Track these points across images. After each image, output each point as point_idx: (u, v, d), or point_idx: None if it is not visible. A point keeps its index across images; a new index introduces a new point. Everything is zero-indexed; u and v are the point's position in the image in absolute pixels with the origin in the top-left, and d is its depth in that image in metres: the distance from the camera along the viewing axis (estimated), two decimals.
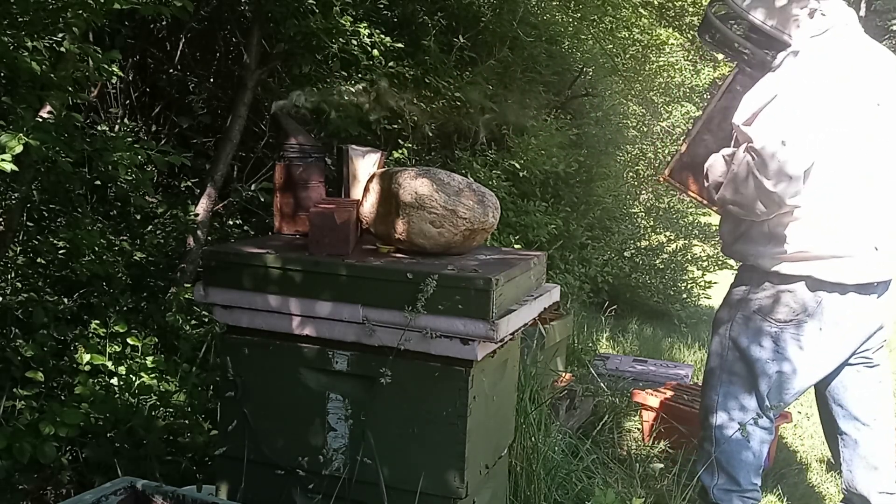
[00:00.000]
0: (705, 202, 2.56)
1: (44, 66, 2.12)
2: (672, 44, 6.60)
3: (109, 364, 2.53)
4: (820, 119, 2.12)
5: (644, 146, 8.26)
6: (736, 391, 2.35)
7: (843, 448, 2.45)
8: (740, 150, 2.18)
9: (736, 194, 2.19)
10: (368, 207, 1.98)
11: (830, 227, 2.17)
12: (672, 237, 7.32)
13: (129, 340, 2.64)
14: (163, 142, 3.56)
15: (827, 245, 2.18)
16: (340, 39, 3.35)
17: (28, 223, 2.89)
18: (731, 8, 2.32)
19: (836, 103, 2.15)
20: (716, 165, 2.30)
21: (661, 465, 2.99)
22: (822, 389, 2.47)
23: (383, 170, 2.05)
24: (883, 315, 2.34)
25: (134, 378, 2.54)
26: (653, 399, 3.44)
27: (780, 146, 2.07)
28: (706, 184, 2.36)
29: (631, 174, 8.01)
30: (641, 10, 5.88)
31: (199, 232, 3.22)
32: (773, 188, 2.08)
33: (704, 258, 6.99)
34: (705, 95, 7.99)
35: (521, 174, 4.48)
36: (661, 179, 2.62)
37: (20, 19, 2.13)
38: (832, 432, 2.53)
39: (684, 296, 6.71)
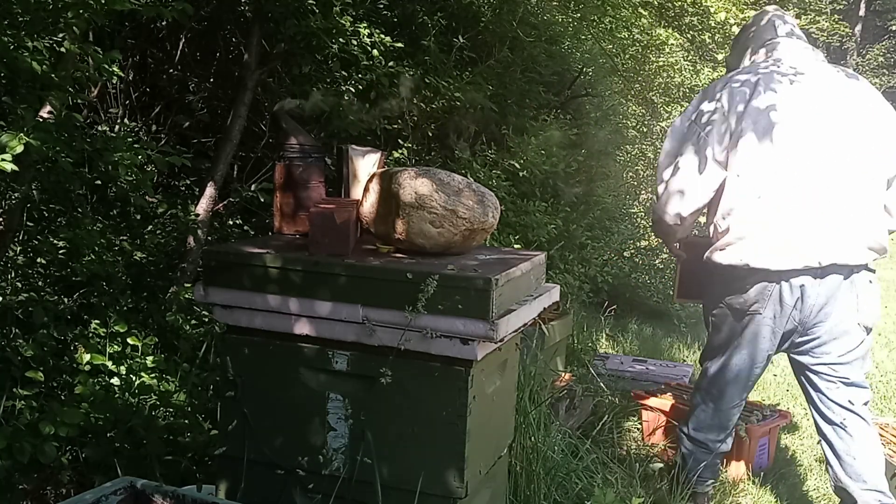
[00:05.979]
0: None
1: (44, 66, 2.11)
2: (672, 44, 6.58)
3: (109, 364, 2.53)
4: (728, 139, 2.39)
5: (644, 146, 8.25)
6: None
7: (825, 445, 2.59)
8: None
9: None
10: (368, 207, 1.98)
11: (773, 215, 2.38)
12: None
13: (129, 340, 2.64)
14: (163, 142, 3.56)
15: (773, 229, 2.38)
16: (340, 39, 3.35)
17: (28, 223, 2.89)
18: None
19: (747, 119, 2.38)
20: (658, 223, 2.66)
21: (661, 465, 3.00)
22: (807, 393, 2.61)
23: (383, 170, 2.05)
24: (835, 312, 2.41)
25: (134, 378, 2.54)
26: (653, 399, 3.43)
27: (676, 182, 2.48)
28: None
29: (631, 174, 8.01)
30: (641, 10, 5.87)
31: (199, 232, 3.22)
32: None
33: None
34: None
35: (521, 174, 4.48)
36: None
37: (20, 19, 2.13)
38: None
39: None
